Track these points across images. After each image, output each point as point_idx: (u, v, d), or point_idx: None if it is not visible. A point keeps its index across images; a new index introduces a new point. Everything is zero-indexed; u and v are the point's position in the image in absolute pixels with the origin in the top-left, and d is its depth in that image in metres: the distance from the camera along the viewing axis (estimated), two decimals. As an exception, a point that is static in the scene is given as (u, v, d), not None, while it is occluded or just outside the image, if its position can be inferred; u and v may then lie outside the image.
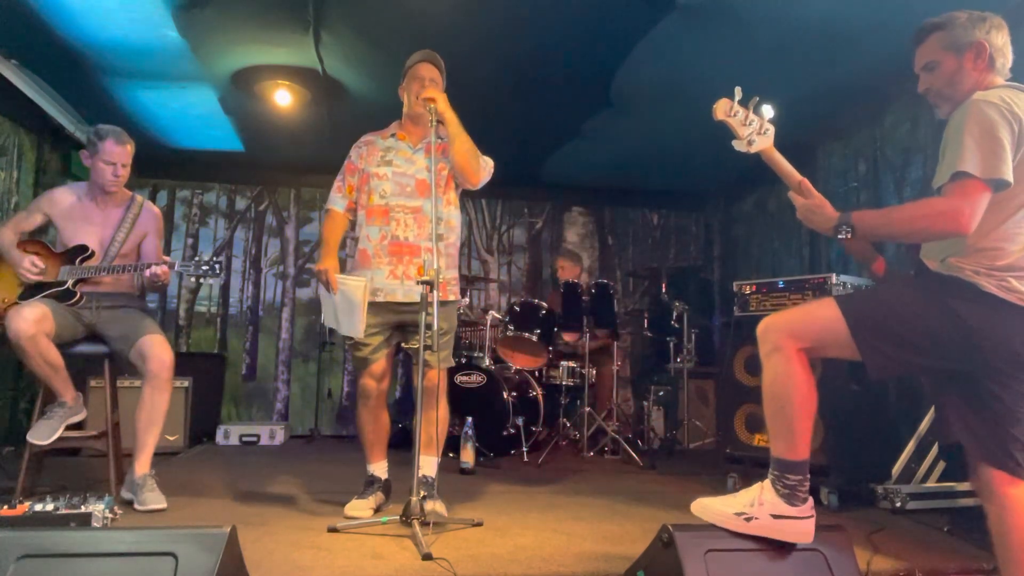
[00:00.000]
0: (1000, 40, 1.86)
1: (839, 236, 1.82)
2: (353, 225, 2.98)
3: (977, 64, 1.86)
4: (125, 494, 2.85)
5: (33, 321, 2.71)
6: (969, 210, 1.67)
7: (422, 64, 2.90)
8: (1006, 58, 1.87)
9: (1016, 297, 1.71)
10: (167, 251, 5.76)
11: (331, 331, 5.86)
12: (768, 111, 1.91)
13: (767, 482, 1.86)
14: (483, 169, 2.93)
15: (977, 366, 1.78)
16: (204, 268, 2.92)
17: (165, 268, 2.90)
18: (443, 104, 2.73)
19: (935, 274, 1.83)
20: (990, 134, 1.69)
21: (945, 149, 1.76)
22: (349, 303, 2.74)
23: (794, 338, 1.83)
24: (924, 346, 1.77)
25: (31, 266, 2.91)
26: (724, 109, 1.89)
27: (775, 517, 1.80)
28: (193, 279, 2.89)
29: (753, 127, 1.89)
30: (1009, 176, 1.68)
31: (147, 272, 2.91)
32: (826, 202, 1.88)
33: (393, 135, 2.96)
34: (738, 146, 1.90)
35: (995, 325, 1.72)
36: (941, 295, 1.77)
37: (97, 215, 3.10)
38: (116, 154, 3.00)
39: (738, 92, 1.89)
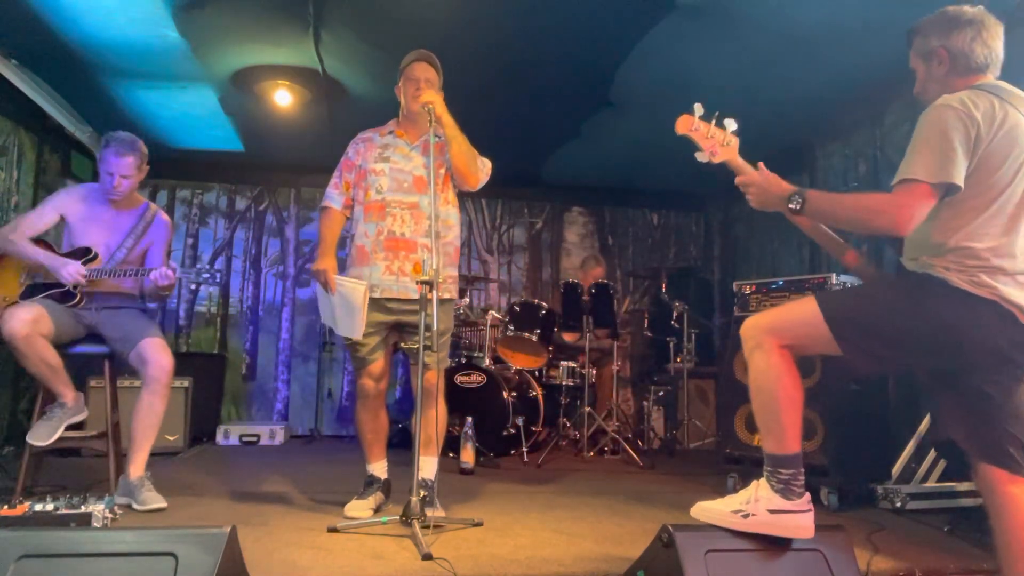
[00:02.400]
0: (961, 42, 1.84)
1: (789, 205, 1.86)
2: (350, 222, 2.98)
3: (939, 71, 1.89)
4: (119, 498, 2.80)
5: (28, 321, 2.70)
6: (908, 211, 1.71)
7: (417, 64, 2.88)
8: (970, 58, 1.84)
9: (987, 292, 1.72)
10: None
11: (331, 331, 5.83)
12: (731, 124, 2.00)
13: (762, 479, 1.87)
14: (481, 171, 2.93)
15: (960, 363, 1.79)
16: (205, 276, 2.92)
17: (167, 271, 2.86)
18: (440, 107, 2.73)
19: (910, 272, 1.86)
20: (943, 137, 1.71)
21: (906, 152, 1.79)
22: (348, 305, 2.74)
23: (774, 335, 1.87)
24: (902, 342, 1.80)
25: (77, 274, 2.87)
26: (686, 125, 1.99)
27: (772, 512, 1.81)
28: (194, 285, 2.88)
29: (715, 139, 1.99)
30: (957, 179, 1.70)
31: (150, 276, 2.89)
32: (777, 178, 1.93)
33: (391, 132, 2.96)
34: (700, 158, 2.00)
35: (970, 321, 1.73)
36: (916, 292, 1.80)
37: (108, 218, 3.09)
38: (113, 165, 2.97)
39: (698, 108, 1.99)
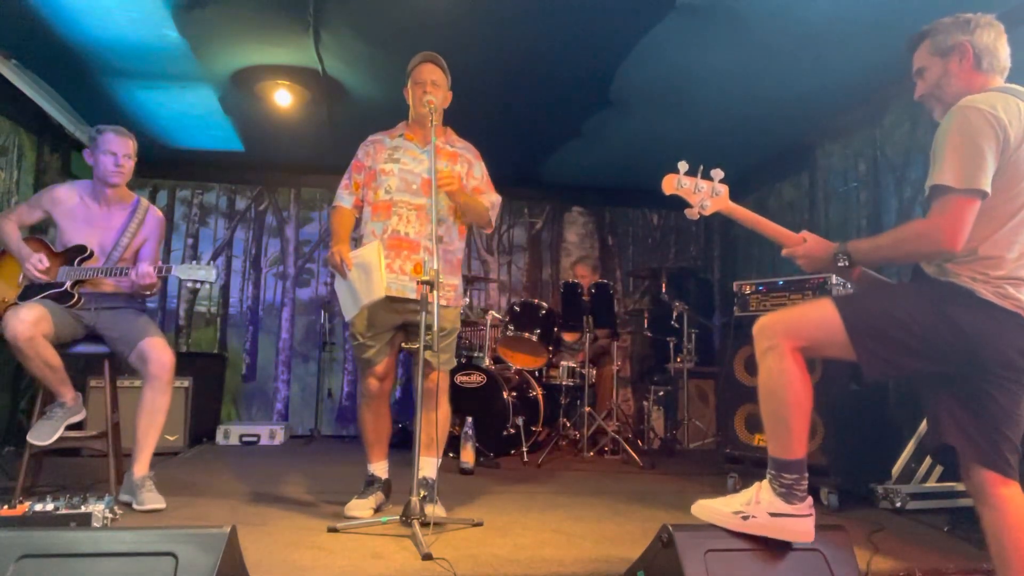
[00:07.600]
0: (986, 39, 1.85)
1: (839, 264, 1.88)
2: (359, 223, 2.99)
3: (963, 66, 1.86)
4: (123, 496, 2.84)
5: (31, 323, 2.70)
6: (950, 227, 1.68)
7: (424, 66, 2.89)
8: (995, 56, 1.85)
9: (1012, 304, 1.71)
10: (167, 251, 5.78)
11: (331, 331, 5.87)
12: (717, 173, 2.03)
13: (765, 481, 1.86)
14: (494, 218, 3.03)
15: (973, 369, 1.77)
16: (202, 273, 2.92)
17: (147, 270, 2.88)
18: (457, 185, 2.77)
19: (932, 279, 1.82)
20: (971, 142, 1.69)
21: (932, 157, 1.77)
22: (365, 267, 2.72)
23: (789, 337, 1.84)
24: (920, 350, 1.77)
25: (38, 263, 2.89)
26: (670, 184, 2.04)
27: (772, 515, 1.80)
28: (191, 283, 2.88)
29: (703, 192, 2.03)
30: (985, 186, 1.68)
31: (131, 275, 2.89)
32: (819, 238, 1.96)
33: (401, 135, 2.97)
34: (690, 214, 2.05)
35: (991, 331, 1.72)
36: (938, 300, 1.77)
37: (100, 217, 3.08)
38: (116, 143, 3.00)
39: (682, 166, 2.04)
